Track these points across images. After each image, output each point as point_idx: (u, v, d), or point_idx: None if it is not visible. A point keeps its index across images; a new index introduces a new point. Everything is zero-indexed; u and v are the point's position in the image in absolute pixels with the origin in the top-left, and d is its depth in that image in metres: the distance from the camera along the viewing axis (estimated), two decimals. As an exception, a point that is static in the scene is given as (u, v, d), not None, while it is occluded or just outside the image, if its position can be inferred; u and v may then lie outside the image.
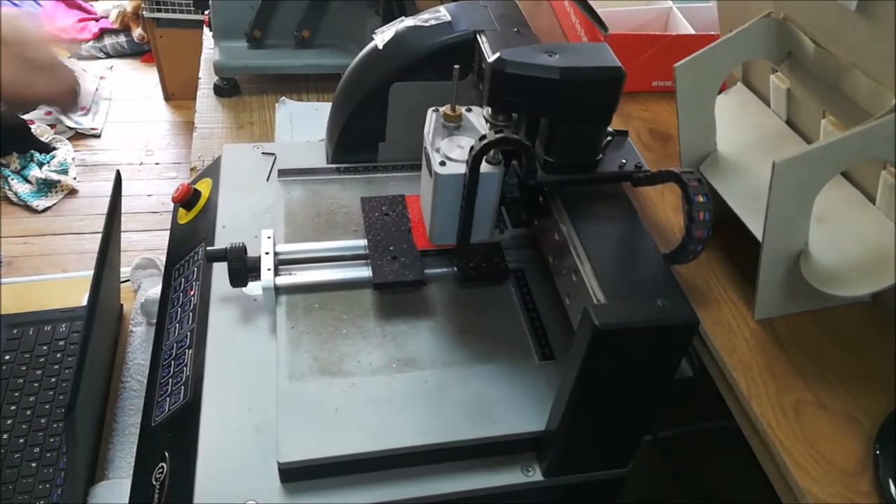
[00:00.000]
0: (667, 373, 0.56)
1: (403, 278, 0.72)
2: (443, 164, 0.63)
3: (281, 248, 0.76)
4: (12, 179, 2.25)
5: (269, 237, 0.75)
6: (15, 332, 1.08)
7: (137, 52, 2.91)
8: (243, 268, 0.72)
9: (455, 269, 0.75)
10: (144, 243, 2.11)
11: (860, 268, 0.61)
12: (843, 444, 0.56)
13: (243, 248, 0.72)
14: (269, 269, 0.72)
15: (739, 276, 0.69)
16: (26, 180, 2.27)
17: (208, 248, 0.74)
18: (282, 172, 0.87)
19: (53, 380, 1.02)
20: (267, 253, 0.73)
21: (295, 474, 0.60)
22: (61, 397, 0.99)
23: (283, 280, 0.73)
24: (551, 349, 0.69)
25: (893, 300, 0.64)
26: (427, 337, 0.70)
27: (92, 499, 0.86)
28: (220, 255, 0.72)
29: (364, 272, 0.74)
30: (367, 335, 0.69)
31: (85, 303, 0.87)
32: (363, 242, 0.76)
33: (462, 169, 0.62)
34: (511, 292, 0.75)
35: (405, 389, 0.65)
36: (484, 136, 0.60)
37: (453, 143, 0.64)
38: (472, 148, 0.60)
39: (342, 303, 0.72)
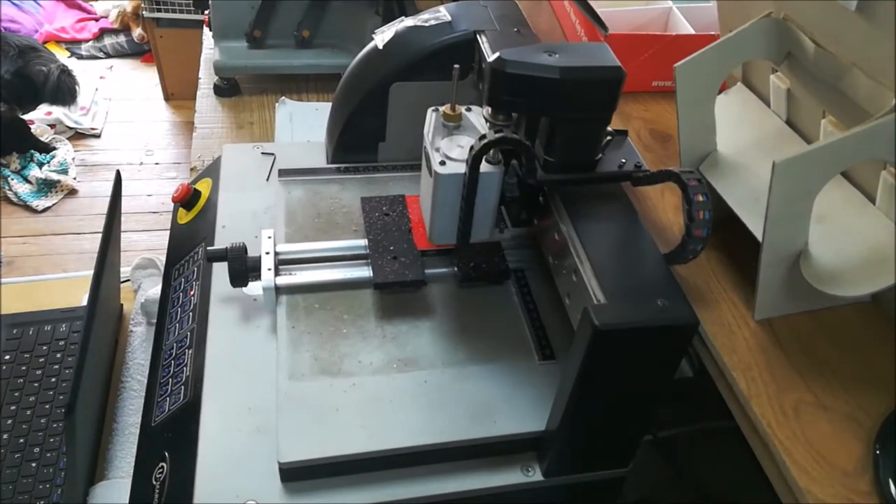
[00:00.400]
0: (667, 373, 0.56)
1: (404, 278, 0.72)
2: (443, 163, 0.63)
3: (281, 247, 0.76)
4: (12, 179, 2.25)
5: (269, 237, 0.75)
6: (15, 332, 1.08)
7: (137, 52, 2.91)
8: (244, 268, 0.72)
9: (455, 268, 0.75)
10: (144, 243, 2.11)
11: (860, 268, 0.61)
12: (843, 444, 0.56)
13: (244, 248, 0.72)
14: (269, 269, 0.72)
15: (739, 276, 0.69)
16: (26, 180, 2.27)
17: (209, 248, 0.74)
18: (282, 172, 0.87)
19: (53, 380, 1.02)
20: (267, 253, 0.73)
21: (295, 474, 0.60)
22: (61, 397, 0.99)
23: (284, 280, 0.73)
24: (552, 349, 0.69)
25: (893, 300, 0.64)
26: (427, 337, 0.70)
27: (92, 499, 0.86)
28: (221, 255, 0.72)
29: (364, 272, 0.74)
30: (368, 335, 0.69)
31: (85, 303, 0.87)
32: (363, 242, 0.76)
33: (462, 168, 0.62)
34: (511, 292, 0.75)
35: (406, 389, 0.65)
36: (484, 136, 0.60)
37: (453, 142, 0.64)
38: (471, 147, 0.60)
39: (343, 303, 0.72)
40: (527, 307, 0.73)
